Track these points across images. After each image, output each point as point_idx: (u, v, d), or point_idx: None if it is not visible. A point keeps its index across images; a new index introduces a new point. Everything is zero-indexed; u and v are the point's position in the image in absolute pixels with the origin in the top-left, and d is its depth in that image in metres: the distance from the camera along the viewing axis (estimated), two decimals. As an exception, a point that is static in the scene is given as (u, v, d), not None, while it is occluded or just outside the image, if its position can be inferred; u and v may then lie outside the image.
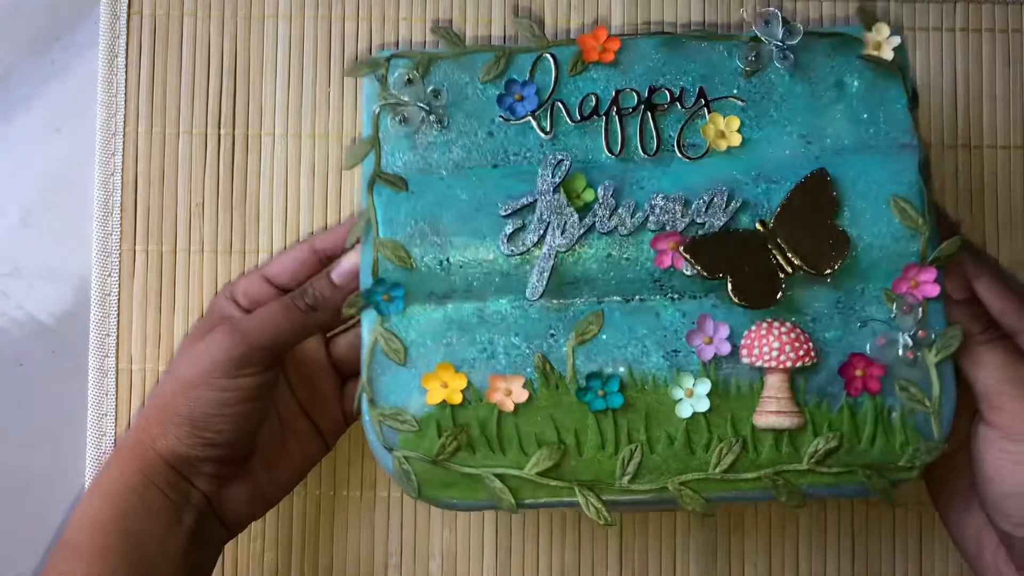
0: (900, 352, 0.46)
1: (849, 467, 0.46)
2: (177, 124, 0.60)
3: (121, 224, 0.59)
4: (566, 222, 0.46)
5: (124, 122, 0.60)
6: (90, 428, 0.59)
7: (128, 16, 0.60)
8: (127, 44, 0.60)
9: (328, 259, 0.52)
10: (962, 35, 0.61)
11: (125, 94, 0.60)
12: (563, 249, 0.46)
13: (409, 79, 0.48)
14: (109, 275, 0.59)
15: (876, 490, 0.46)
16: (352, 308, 0.47)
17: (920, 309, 0.46)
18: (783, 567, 0.59)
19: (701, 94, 0.48)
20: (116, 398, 0.59)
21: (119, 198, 0.59)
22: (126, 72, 0.60)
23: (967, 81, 0.61)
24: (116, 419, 0.59)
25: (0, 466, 0.59)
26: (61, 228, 0.60)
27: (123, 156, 0.59)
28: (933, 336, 0.46)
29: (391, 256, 0.46)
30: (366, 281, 0.47)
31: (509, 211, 0.46)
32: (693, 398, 0.46)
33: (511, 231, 0.46)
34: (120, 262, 0.59)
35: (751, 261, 0.46)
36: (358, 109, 0.60)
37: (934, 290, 0.46)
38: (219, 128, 0.60)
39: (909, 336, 0.46)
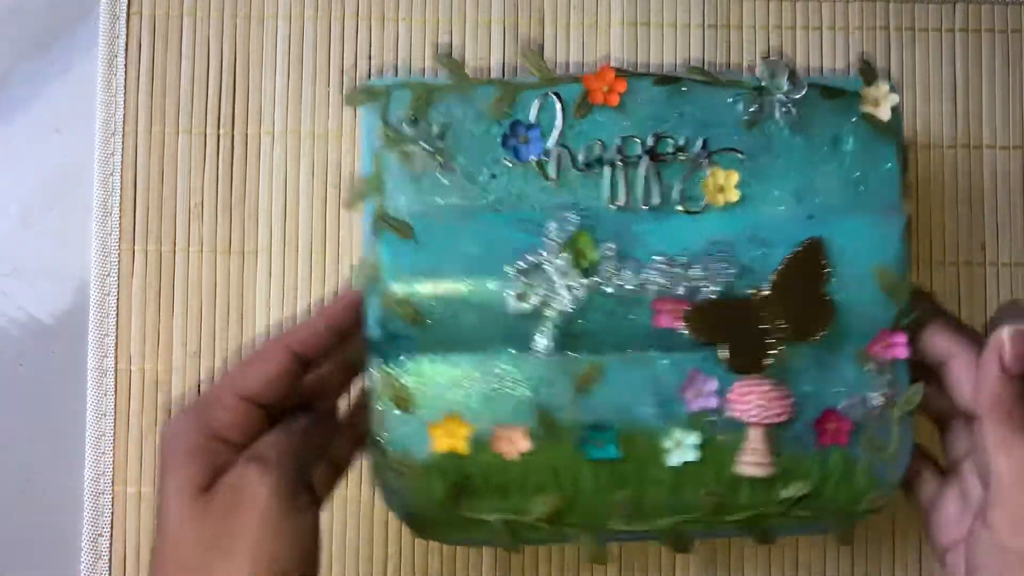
0: (868, 409, 0.49)
1: (817, 511, 0.49)
2: (177, 124, 0.60)
3: (120, 224, 0.59)
4: (571, 284, 0.47)
5: (124, 122, 0.60)
6: (89, 428, 0.59)
7: (128, 16, 0.60)
8: (127, 44, 0.60)
9: (308, 362, 0.46)
10: (962, 35, 0.61)
11: (125, 94, 0.60)
12: (569, 310, 0.47)
13: (414, 118, 0.48)
14: (108, 275, 0.59)
15: (837, 532, 0.50)
16: (359, 356, 0.48)
17: (889, 371, 0.49)
18: (783, 571, 0.59)
19: (704, 146, 0.49)
20: (115, 398, 0.59)
21: (119, 198, 0.59)
22: (126, 72, 0.60)
23: (967, 81, 0.61)
24: (115, 419, 0.59)
25: (0, 466, 0.59)
26: (61, 228, 0.60)
27: (123, 156, 0.60)
28: (897, 394, 0.49)
29: (399, 311, 0.47)
30: (373, 331, 0.47)
31: (515, 269, 0.47)
32: (681, 448, 0.48)
33: (518, 291, 0.47)
34: (119, 262, 0.59)
35: (743, 329, 0.48)
36: (358, 109, 0.60)
37: (903, 352, 0.49)
38: (219, 128, 0.60)
39: (878, 395, 0.49)
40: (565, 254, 0.47)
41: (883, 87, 0.50)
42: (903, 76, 0.61)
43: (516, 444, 0.48)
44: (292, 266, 0.59)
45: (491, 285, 0.47)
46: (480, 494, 0.47)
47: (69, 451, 0.59)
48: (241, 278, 0.59)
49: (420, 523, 0.48)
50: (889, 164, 0.49)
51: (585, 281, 0.47)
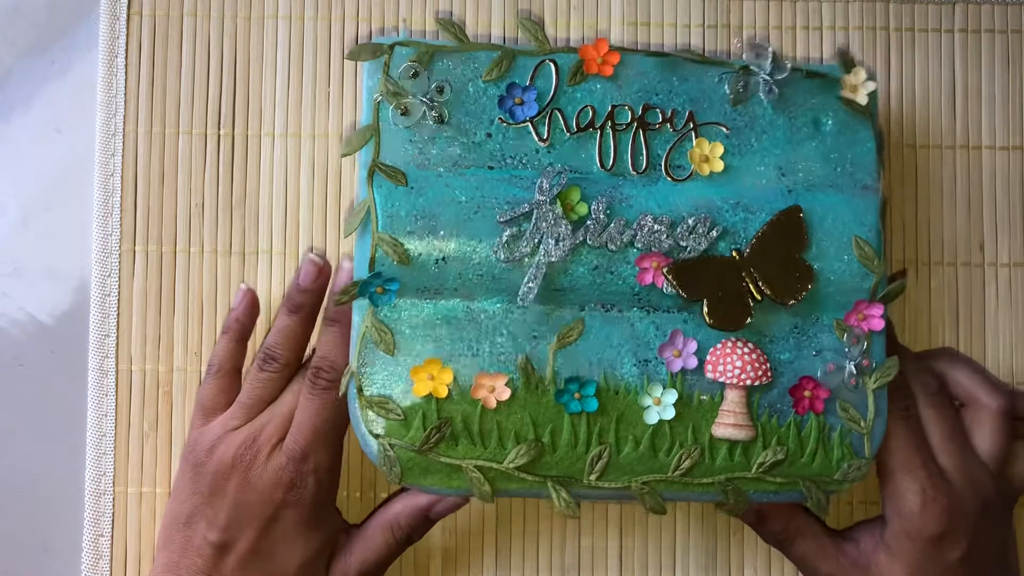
0: (845, 379, 0.50)
1: (791, 478, 0.50)
2: (177, 124, 0.60)
3: (121, 224, 0.59)
4: (560, 234, 0.48)
5: (124, 122, 0.60)
6: (90, 428, 0.59)
7: (128, 16, 0.60)
8: (127, 44, 0.60)
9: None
10: (961, 36, 0.61)
11: (125, 94, 0.60)
12: (555, 259, 0.48)
13: (415, 72, 0.49)
14: (109, 275, 0.59)
15: (812, 500, 0.50)
16: (345, 296, 0.49)
17: (865, 340, 0.50)
18: (783, 569, 0.59)
19: (690, 118, 0.51)
20: (116, 398, 0.59)
21: (119, 198, 0.59)
22: (126, 72, 0.60)
23: (966, 82, 0.61)
24: (116, 419, 0.59)
25: (0, 466, 0.59)
26: (61, 228, 0.60)
27: (123, 156, 0.59)
28: (874, 365, 0.50)
29: (389, 251, 0.48)
30: (362, 272, 0.49)
31: (506, 218, 0.48)
32: (660, 406, 0.49)
33: (507, 238, 0.48)
34: (120, 262, 0.59)
35: (726, 287, 0.49)
36: (358, 109, 0.60)
37: (879, 324, 0.50)
38: (219, 128, 0.60)
39: (854, 365, 0.50)
40: (555, 207, 0.48)
41: (860, 74, 0.52)
42: (903, 76, 0.61)
43: (496, 393, 0.49)
44: (292, 267, 0.59)
45: (480, 234, 0.48)
46: (458, 440, 0.48)
47: (70, 452, 0.59)
48: (242, 279, 0.59)
49: (399, 468, 0.48)
50: (866, 145, 0.52)
51: (573, 234, 0.48)
